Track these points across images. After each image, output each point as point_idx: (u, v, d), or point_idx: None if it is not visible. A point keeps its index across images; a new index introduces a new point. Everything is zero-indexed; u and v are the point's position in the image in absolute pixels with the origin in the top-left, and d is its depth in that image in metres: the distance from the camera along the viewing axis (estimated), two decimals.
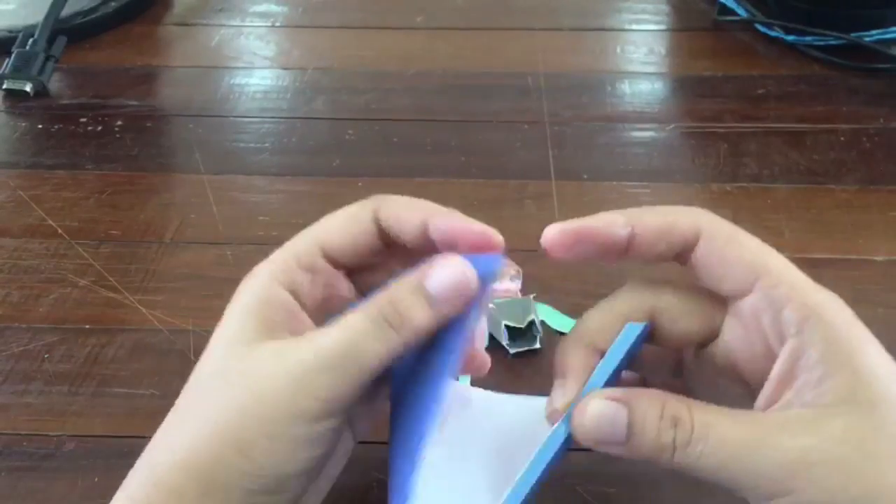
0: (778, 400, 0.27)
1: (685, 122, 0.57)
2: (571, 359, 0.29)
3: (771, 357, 0.28)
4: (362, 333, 0.27)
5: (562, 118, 0.57)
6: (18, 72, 0.59)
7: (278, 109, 0.59)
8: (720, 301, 0.30)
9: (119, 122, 0.57)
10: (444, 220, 0.29)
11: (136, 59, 0.64)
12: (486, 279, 0.28)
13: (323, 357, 0.26)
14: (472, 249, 0.29)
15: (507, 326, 0.41)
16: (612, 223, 0.29)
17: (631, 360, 0.30)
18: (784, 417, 0.26)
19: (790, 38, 0.62)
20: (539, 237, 0.30)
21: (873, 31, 0.60)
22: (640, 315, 0.30)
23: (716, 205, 0.49)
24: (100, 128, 0.57)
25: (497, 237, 0.29)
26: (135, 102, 0.59)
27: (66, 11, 0.63)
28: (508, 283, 0.43)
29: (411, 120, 0.57)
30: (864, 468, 0.25)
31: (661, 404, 0.27)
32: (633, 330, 0.29)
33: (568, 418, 0.28)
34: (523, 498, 0.28)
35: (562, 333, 0.42)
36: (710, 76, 0.61)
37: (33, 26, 0.61)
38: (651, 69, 0.62)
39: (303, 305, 0.30)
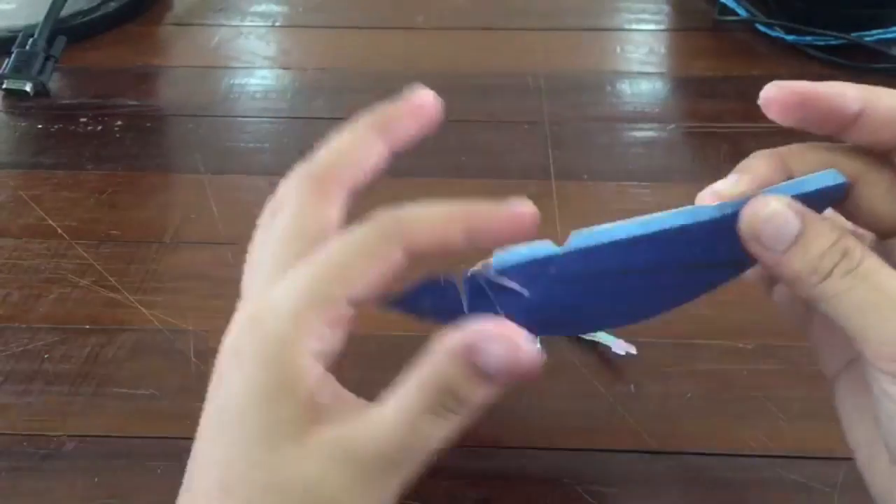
0: None
1: (685, 122, 0.57)
2: (758, 162, 0.27)
3: None
4: (425, 424, 0.24)
5: (562, 118, 0.57)
6: (18, 72, 0.59)
7: (278, 109, 0.59)
8: None
9: (119, 122, 0.57)
10: (484, 224, 0.26)
11: (136, 58, 0.64)
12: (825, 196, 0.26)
13: (393, 455, 0.24)
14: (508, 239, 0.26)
15: None
16: (843, 94, 0.26)
17: (812, 207, 0.27)
18: None
19: (790, 37, 0.62)
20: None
21: (874, 31, 0.60)
22: (847, 171, 0.27)
23: None
24: (100, 128, 0.57)
25: (528, 212, 0.26)
26: (135, 102, 0.59)
27: (66, 11, 0.63)
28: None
29: None
30: None
31: (838, 234, 0.25)
32: (834, 178, 0.26)
33: (728, 206, 0.26)
34: (629, 238, 0.26)
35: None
36: (710, 76, 0.61)
37: (33, 26, 0.60)
38: (651, 69, 0.62)
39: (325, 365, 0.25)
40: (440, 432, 0.24)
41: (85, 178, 0.53)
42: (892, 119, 0.26)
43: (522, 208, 0.26)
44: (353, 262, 0.25)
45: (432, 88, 0.30)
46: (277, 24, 0.68)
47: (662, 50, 0.65)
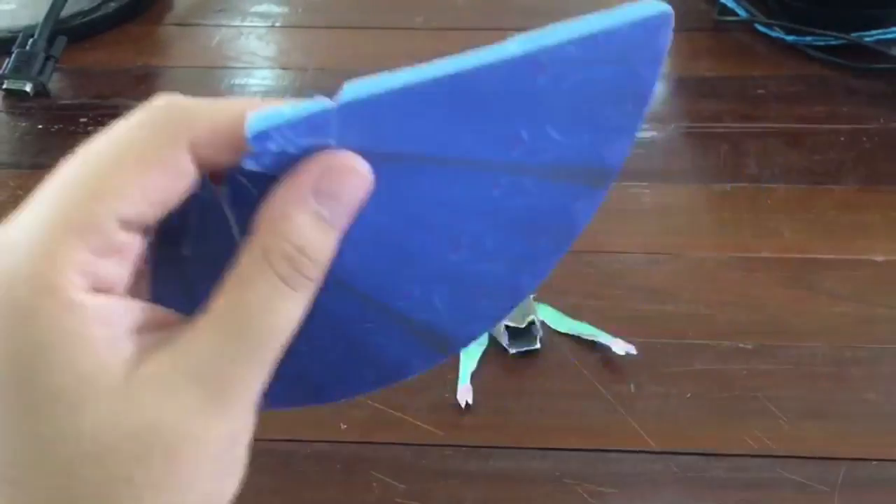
0: None
1: (685, 122, 0.57)
2: None
3: None
4: (272, 299, 0.19)
5: None
6: (18, 72, 0.58)
7: None
8: None
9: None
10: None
11: (136, 59, 0.64)
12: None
13: (224, 344, 0.19)
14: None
15: (507, 327, 0.41)
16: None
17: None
18: None
19: (790, 38, 0.62)
20: None
21: (873, 31, 0.60)
22: None
23: (716, 205, 0.49)
24: (100, 128, 0.56)
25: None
26: (135, 102, 0.58)
27: (66, 11, 0.63)
28: None
29: None
30: None
31: None
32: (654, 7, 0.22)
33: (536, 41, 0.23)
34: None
35: (562, 334, 0.42)
36: (710, 76, 0.61)
37: (33, 26, 0.60)
38: None
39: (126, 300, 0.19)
40: (291, 305, 0.19)
41: None
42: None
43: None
44: (121, 168, 0.19)
45: None
46: (277, 24, 0.68)
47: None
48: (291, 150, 0.21)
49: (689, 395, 0.40)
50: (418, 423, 0.39)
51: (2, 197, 0.52)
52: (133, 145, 0.20)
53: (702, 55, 0.63)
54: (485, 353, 0.41)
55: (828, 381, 0.40)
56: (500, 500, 0.36)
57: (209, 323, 0.19)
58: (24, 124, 0.58)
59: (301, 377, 0.25)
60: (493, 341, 0.41)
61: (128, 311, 0.19)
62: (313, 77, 0.62)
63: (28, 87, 0.58)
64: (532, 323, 0.41)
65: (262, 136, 0.20)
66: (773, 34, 0.63)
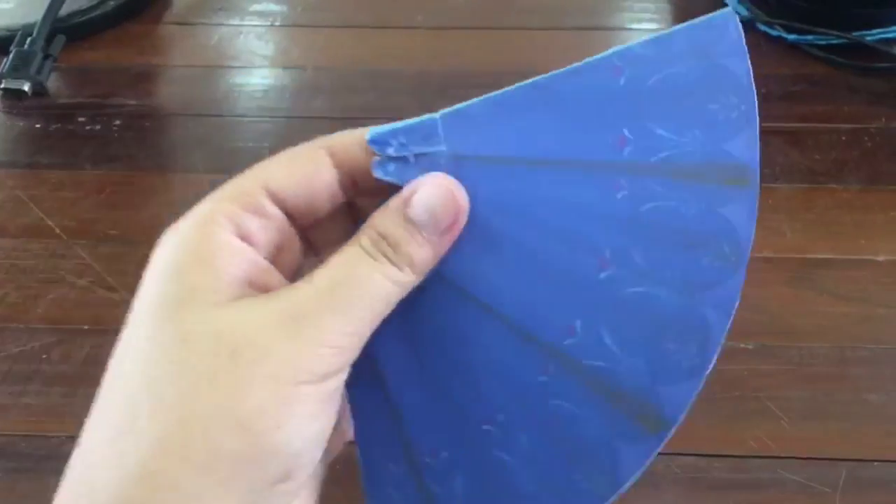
0: None
1: None
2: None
3: None
4: (370, 269, 0.22)
5: None
6: (16, 71, 0.58)
7: (278, 109, 0.58)
8: None
9: (118, 122, 0.57)
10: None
11: (135, 58, 0.64)
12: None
13: (332, 295, 0.22)
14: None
15: None
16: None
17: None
18: None
19: (791, 37, 0.62)
20: None
21: (875, 31, 0.60)
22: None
23: None
24: (98, 127, 0.57)
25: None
26: (134, 102, 0.59)
27: (65, 10, 0.63)
28: None
29: None
30: None
31: None
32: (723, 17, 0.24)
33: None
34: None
35: None
36: None
37: (31, 25, 0.60)
38: None
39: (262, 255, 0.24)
40: (378, 276, 0.22)
41: (83, 178, 0.53)
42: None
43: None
44: (273, 160, 0.25)
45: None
46: (277, 23, 0.68)
47: None
48: (410, 158, 0.24)
49: None
50: None
51: (0, 197, 0.51)
52: (287, 151, 0.26)
53: None
54: None
55: (829, 382, 0.40)
56: None
57: (302, 281, 0.22)
58: (22, 124, 0.57)
59: (508, 488, 0.24)
60: None
61: (253, 263, 0.23)
62: (313, 76, 0.62)
63: (26, 87, 0.58)
64: None
65: (380, 139, 0.24)
66: (774, 33, 0.63)
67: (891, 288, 0.44)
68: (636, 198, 0.23)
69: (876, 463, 0.37)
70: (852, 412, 0.39)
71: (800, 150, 0.54)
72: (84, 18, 0.65)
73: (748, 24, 0.65)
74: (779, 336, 0.42)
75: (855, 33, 0.60)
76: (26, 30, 0.60)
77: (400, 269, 0.23)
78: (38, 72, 0.59)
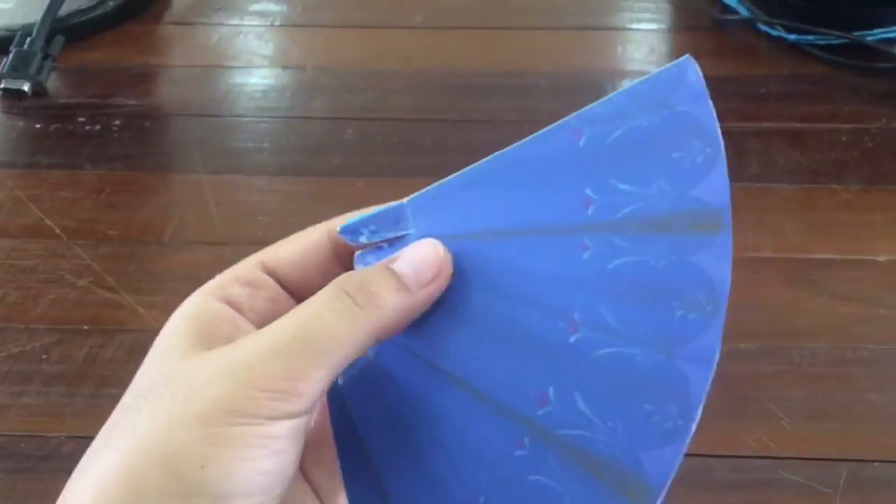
0: None
1: None
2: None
3: None
4: (324, 310, 0.23)
5: (562, 118, 0.57)
6: (16, 71, 0.58)
7: (277, 109, 0.58)
8: None
9: (117, 122, 0.57)
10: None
11: (135, 58, 0.64)
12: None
13: (274, 341, 0.22)
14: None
15: None
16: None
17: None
18: None
19: (792, 37, 0.62)
20: None
21: (875, 30, 0.60)
22: None
23: None
24: (98, 127, 0.57)
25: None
26: (133, 102, 0.59)
27: (64, 10, 0.63)
28: None
29: (411, 120, 0.57)
30: None
31: None
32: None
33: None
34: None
35: None
36: (711, 76, 0.60)
37: (31, 25, 0.60)
38: (652, 69, 0.62)
39: (247, 319, 0.26)
40: (342, 326, 0.22)
41: (83, 178, 0.53)
42: None
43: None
44: (281, 241, 0.27)
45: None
46: (276, 23, 0.68)
47: (663, 49, 0.64)
48: (384, 246, 0.25)
49: None
50: None
51: (0, 197, 0.51)
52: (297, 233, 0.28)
53: (703, 54, 0.63)
54: None
55: (830, 382, 0.40)
56: None
57: (263, 329, 0.23)
58: (21, 124, 0.57)
59: None
60: None
61: (230, 322, 0.25)
62: (312, 76, 0.61)
63: (26, 87, 0.58)
64: None
65: (351, 229, 0.25)
66: (775, 33, 0.63)
67: (891, 288, 0.44)
68: (602, 256, 0.23)
69: (876, 463, 0.37)
70: (852, 412, 0.39)
71: (800, 150, 0.54)
72: (84, 18, 0.65)
73: (748, 24, 0.65)
74: (779, 336, 0.42)
75: (855, 33, 0.60)
76: (26, 30, 0.60)
77: (362, 308, 0.23)
78: (38, 72, 0.59)
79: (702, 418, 0.39)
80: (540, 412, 0.22)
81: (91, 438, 0.37)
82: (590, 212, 0.23)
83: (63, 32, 0.61)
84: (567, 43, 0.65)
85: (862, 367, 0.41)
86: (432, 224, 0.25)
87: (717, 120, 0.23)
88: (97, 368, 0.41)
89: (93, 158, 0.54)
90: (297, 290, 0.27)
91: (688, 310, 0.22)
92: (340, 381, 0.24)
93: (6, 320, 0.44)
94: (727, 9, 0.65)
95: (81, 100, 0.59)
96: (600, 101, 0.24)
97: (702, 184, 0.23)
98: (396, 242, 0.25)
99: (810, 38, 0.61)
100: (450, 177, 0.25)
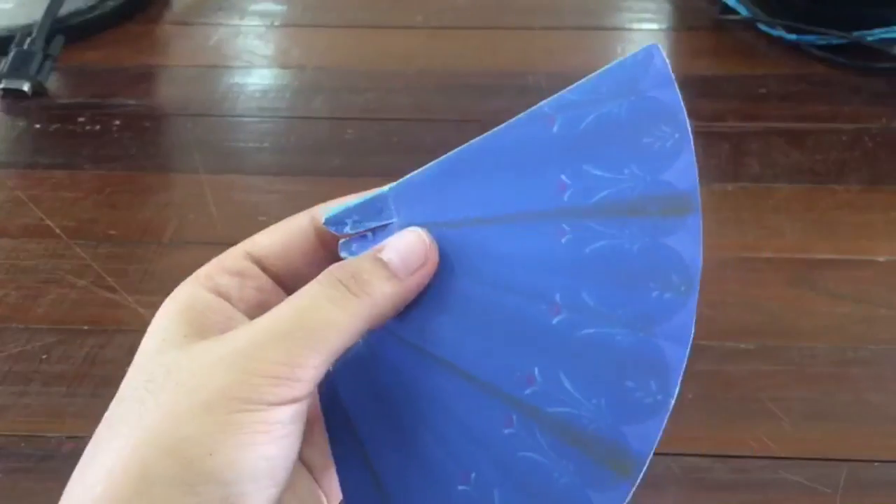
0: None
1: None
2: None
3: None
4: (320, 299, 0.23)
5: None
6: (16, 71, 0.58)
7: (277, 109, 0.58)
8: None
9: (117, 122, 0.57)
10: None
11: (135, 58, 0.64)
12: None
13: (274, 329, 0.23)
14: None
15: None
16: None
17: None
18: None
19: (792, 37, 0.62)
20: None
21: (876, 30, 0.60)
22: None
23: (717, 205, 0.49)
24: (98, 127, 0.57)
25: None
26: (133, 102, 0.59)
27: (64, 10, 0.63)
28: None
29: (411, 119, 0.57)
30: None
31: None
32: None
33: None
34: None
35: None
36: (711, 76, 0.61)
37: (31, 25, 0.60)
38: None
39: (237, 308, 0.26)
40: (337, 313, 0.23)
41: (83, 178, 0.53)
42: None
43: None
44: (264, 230, 0.28)
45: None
46: (276, 23, 0.68)
47: (664, 49, 0.64)
48: (368, 235, 0.26)
49: (690, 396, 0.40)
50: None
51: (0, 197, 0.51)
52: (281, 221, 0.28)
53: (703, 54, 0.63)
54: None
55: (830, 382, 0.40)
56: None
57: (259, 318, 0.24)
58: (21, 124, 0.57)
59: None
60: None
61: (221, 312, 0.25)
62: (312, 76, 0.61)
63: (26, 87, 0.58)
64: None
65: (335, 220, 0.26)
66: (775, 33, 0.63)
67: (891, 288, 0.44)
68: (580, 240, 0.24)
69: (877, 463, 0.37)
70: (853, 412, 0.39)
71: (801, 150, 0.54)
72: (84, 18, 0.65)
73: (748, 24, 0.65)
74: (779, 336, 0.42)
75: (855, 33, 0.60)
76: (26, 30, 0.60)
77: (356, 296, 0.24)
78: (38, 72, 0.59)
79: (702, 418, 0.39)
80: (527, 391, 0.23)
81: (91, 438, 0.37)
82: (566, 197, 0.24)
83: (63, 32, 0.61)
84: (567, 43, 0.65)
85: (862, 367, 0.41)
86: (415, 213, 0.25)
87: (683, 105, 0.24)
88: (97, 368, 0.41)
89: (93, 158, 0.54)
90: (283, 278, 0.27)
91: (663, 290, 0.23)
92: (330, 368, 0.25)
93: (6, 320, 0.44)
94: (727, 9, 0.65)
95: (81, 100, 0.59)
96: (570, 87, 0.25)
97: (671, 168, 0.24)
98: (380, 231, 0.26)
99: (810, 38, 0.61)
100: (430, 164, 0.26)
